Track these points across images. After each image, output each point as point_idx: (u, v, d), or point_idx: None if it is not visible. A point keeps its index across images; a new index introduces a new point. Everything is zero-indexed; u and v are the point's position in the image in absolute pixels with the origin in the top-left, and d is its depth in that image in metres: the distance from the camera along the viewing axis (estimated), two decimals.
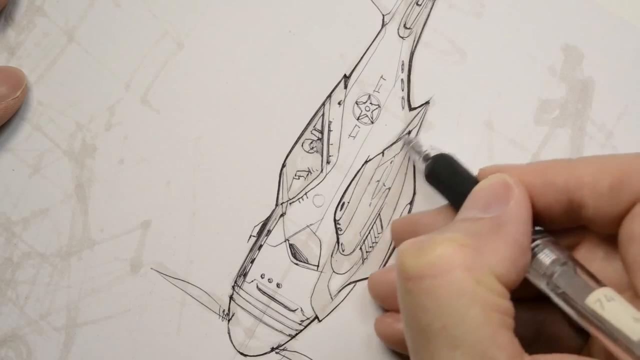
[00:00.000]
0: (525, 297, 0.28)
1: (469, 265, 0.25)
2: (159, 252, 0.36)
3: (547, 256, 0.27)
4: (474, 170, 0.31)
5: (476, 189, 0.29)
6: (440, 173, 0.32)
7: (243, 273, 0.36)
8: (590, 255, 0.29)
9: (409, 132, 0.36)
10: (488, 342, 0.24)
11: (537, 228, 0.28)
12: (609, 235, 0.28)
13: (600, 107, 0.35)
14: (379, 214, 0.35)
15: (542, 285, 0.27)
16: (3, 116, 0.36)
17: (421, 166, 0.33)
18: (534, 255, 0.27)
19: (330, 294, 0.35)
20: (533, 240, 0.28)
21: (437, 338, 0.25)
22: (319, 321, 0.35)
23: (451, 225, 0.28)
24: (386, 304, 0.34)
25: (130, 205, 0.37)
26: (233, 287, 0.36)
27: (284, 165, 0.36)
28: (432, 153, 0.33)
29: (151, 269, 0.36)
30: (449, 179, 0.31)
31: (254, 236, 0.36)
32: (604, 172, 0.27)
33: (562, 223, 0.29)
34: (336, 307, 0.35)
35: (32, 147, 0.37)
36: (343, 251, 0.36)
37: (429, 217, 0.32)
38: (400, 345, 0.33)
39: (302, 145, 0.36)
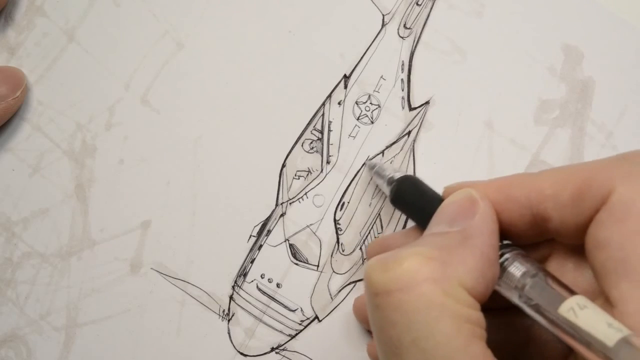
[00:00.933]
0: (510, 305, 0.28)
1: (437, 278, 0.25)
2: (159, 252, 0.36)
3: (517, 269, 0.27)
4: (439, 190, 0.31)
5: (443, 204, 0.29)
6: (405, 195, 0.32)
7: (243, 273, 0.36)
8: (561, 266, 0.29)
9: (409, 133, 0.36)
10: (460, 354, 0.24)
11: (506, 242, 0.28)
12: (577, 246, 0.28)
13: (600, 107, 0.35)
14: (379, 214, 0.35)
15: (515, 298, 0.27)
16: (3, 116, 0.36)
17: (386, 190, 0.33)
18: (504, 269, 0.27)
19: (330, 294, 0.35)
20: (502, 255, 0.27)
21: (408, 352, 0.25)
22: (319, 321, 0.35)
23: (418, 240, 0.28)
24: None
25: (130, 205, 0.37)
26: (233, 287, 0.36)
27: (284, 165, 0.36)
28: (396, 176, 0.33)
29: (151, 269, 0.36)
30: (415, 201, 0.31)
31: (254, 236, 0.36)
32: (564, 183, 0.27)
33: (530, 237, 0.29)
34: (336, 307, 0.35)
35: (32, 147, 0.37)
36: (343, 251, 0.36)
37: (399, 239, 0.33)
38: None
39: (302, 145, 0.36)
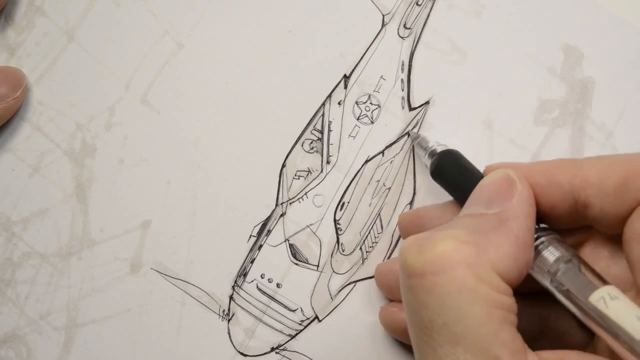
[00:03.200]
0: (531, 292, 0.28)
1: (471, 262, 0.25)
2: (159, 252, 0.36)
3: (551, 253, 0.27)
4: (481, 167, 0.31)
5: (480, 184, 0.29)
6: (445, 169, 0.32)
7: (243, 273, 0.36)
8: (595, 254, 0.29)
9: (408, 133, 0.36)
10: (490, 339, 0.24)
11: (542, 225, 0.28)
12: (614, 235, 0.28)
13: (600, 107, 0.35)
14: (379, 214, 0.35)
15: (546, 282, 0.27)
16: (3, 116, 0.36)
17: (427, 162, 0.33)
18: (538, 253, 0.27)
19: (330, 294, 0.35)
20: (538, 238, 0.27)
21: (439, 334, 0.25)
22: (319, 321, 0.35)
23: (454, 221, 0.28)
24: (392, 294, 0.34)
25: (130, 205, 0.37)
26: (233, 287, 0.36)
27: (284, 165, 0.36)
28: (439, 149, 0.33)
29: (151, 269, 0.36)
30: (455, 176, 0.31)
31: (254, 236, 0.36)
32: (609, 172, 0.27)
33: (567, 222, 0.29)
34: (336, 307, 0.35)
35: (32, 147, 0.37)
36: (343, 251, 0.36)
37: (435, 211, 0.33)
38: (403, 336, 0.33)
39: (302, 145, 0.36)
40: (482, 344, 0.24)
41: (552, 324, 0.30)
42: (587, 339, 0.29)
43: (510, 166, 0.29)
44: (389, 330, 0.34)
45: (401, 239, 0.35)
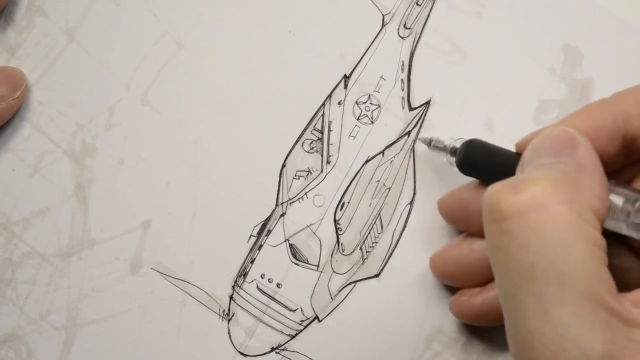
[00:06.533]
0: None
1: (570, 200, 0.25)
2: (159, 252, 0.36)
3: (617, 197, 0.27)
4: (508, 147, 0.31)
5: (538, 141, 0.28)
6: (475, 160, 0.31)
7: (243, 273, 0.36)
8: None
9: (409, 132, 0.36)
10: (593, 278, 0.24)
11: None
12: None
13: None
14: (379, 214, 0.35)
15: (621, 226, 0.27)
16: (3, 116, 0.36)
17: (450, 160, 0.33)
18: None
19: (330, 294, 0.35)
20: None
21: (544, 276, 0.24)
22: (319, 321, 0.35)
23: (532, 170, 0.27)
24: (455, 280, 0.34)
25: (130, 205, 0.37)
26: (233, 287, 0.36)
27: (284, 165, 0.36)
28: (457, 143, 0.33)
29: (151, 269, 0.36)
30: (488, 161, 0.31)
31: (254, 236, 0.36)
32: None
33: (618, 162, 0.29)
34: (336, 307, 0.35)
35: (32, 147, 0.37)
36: (343, 251, 0.36)
37: (475, 192, 0.32)
38: (479, 319, 0.33)
39: (302, 145, 0.36)
40: (587, 283, 0.23)
41: (615, 265, 0.29)
42: None
43: (542, 130, 0.29)
44: (464, 319, 0.34)
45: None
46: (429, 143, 0.35)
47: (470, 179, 0.33)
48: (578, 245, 0.24)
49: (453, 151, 0.33)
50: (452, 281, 0.34)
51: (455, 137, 0.33)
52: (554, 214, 0.24)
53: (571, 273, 0.24)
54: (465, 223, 0.33)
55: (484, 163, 0.31)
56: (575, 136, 0.27)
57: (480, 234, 0.32)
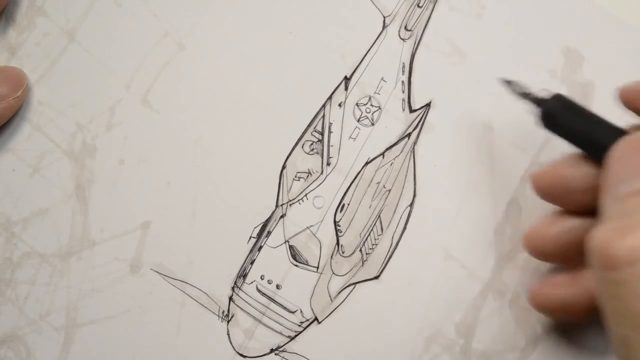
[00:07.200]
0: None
1: None
2: (158, 253, 0.36)
3: None
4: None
5: (630, 151, 0.27)
6: (564, 118, 0.30)
7: (243, 274, 0.36)
8: None
9: (409, 135, 0.36)
10: None
11: None
12: None
13: (601, 110, 0.35)
14: (379, 216, 0.36)
15: None
16: (4, 116, 0.36)
17: (532, 108, 0.31)
18: None
19: (329, 296, 0.35)
20: None
21: None
22: (319, 323, 0.35)
23: (629, 198, 0.26)
24: (554, 259, 0.32)
25: (130, 205, 0.37)
26: (233, 288, 0.36)
27: (284, 167, 0.36)
28: (545, 94, 0.31)
29: (151, 269, 0.36)
30: (579, 126, 0.29)
31: (253, 237, 0.36)
32: None
33: None
34: (336, 308, 0.35)
35: (32, 147, 0.37)
36: (343, 253, 0.36)
37: (575, 168, 0.30)
38: (558, 314, 0.32)
39: (302, 147, 0.36)
40: None
41: None
42: None
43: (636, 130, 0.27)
44: (543, 312, 0.33)
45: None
46: (508, 83, 0.33)
47: (558, 151, 0.31)
48: None
49: (539, 101, 0.31)
50: (550, 259, 0.32)
51: (542, 87, 0.32)
52: None
53: None
54: (563, 200, 0.31)
55: (575, 126, 0.29)
56: None
57: (578, 211, 0.31)
